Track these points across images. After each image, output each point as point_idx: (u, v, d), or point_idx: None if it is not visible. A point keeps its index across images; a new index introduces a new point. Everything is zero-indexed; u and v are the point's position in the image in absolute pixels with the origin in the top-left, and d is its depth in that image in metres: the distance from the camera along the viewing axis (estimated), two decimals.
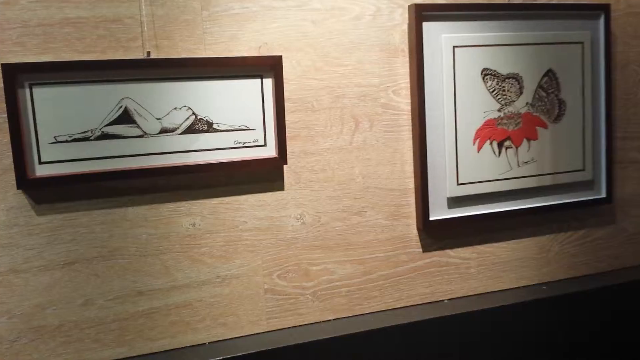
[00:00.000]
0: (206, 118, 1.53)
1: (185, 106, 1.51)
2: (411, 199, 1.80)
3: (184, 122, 1.51)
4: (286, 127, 1.61)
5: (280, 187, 1.65)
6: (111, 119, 1.45)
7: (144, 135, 1.48)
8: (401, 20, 1.73)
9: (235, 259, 1.63)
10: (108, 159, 1.46)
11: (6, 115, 1.36)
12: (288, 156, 1.63)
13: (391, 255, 1.80)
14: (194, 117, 1.52)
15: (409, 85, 1.76)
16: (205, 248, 1.60)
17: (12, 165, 1.39)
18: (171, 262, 1.57)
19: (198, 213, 1.59)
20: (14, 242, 1.43)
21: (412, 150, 1.78)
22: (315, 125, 1.67)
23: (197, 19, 1.53)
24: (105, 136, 1.45)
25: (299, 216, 1.68)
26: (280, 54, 1.58)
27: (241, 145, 1.57)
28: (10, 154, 1.39)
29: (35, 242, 1.45)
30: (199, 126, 1.53)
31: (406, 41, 1.74)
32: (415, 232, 1.82)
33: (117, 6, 1.47)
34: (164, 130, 1.50)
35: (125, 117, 1.46)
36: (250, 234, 1.63)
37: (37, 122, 1.39)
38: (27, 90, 1.38)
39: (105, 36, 1.47)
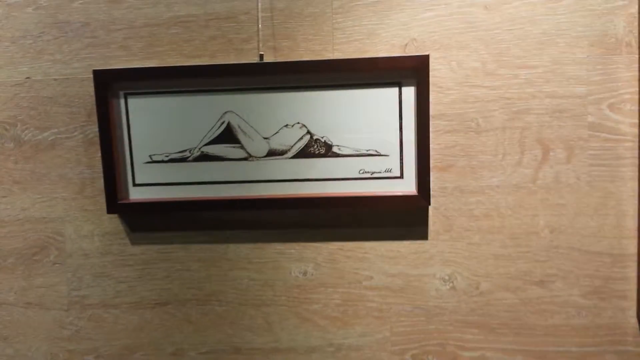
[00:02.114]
0: (324, 139, 1.22)
1: (298, 123, 1.23)
2: (630, 271, 1.23)
3: (296, 143, 1.23)
4: (433, 153, 1.22)
5: (422, 236, 1.26)
6: (212, 137, 1.24)
7: (248, 157, 1.24)
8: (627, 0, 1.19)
9: (356, 324, 1.29)
10: (207, 185, 1.26)
11: (97, 128, 1.26)
12: (435, 194, 1.23)
13: (591, 352, 1.25)
14: (309, 137, 1.23)
15: (638, 97, 1.20)
16: (318, 305, 1.29)
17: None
18: (275, 317, 1.30)
19: (311, 259, 1.29)
20: (107, 273, 1.32)
21: (636, 196, 1.22)
22: (480, 152, 1.23)
23: (326, 12, 1.24)
24: (204, 157, 1.25)
25: (447, 278, 1.26)
26: (427, 53, 1.20)
27: (369, 175, 1.22)
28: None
29: (128, 274, 1.32)
30: (315, 149, 1.23)
31: (635, 30, 1.19)
32: (633, 321, 1.24)
33: (232, 0, 1.26)
34: (272, 153, 1.24)
35: (228, 135, 1.24)
36: (377, 294, 1.27)
37: (132, 137, 1.26)
38: (122, 101, 1.25)
39: (216, 37, 1.27)
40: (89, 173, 1.29)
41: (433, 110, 1.22)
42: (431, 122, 1.22)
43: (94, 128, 1.27)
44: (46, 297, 1.33)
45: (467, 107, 1.22)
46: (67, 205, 1.31)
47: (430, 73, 1.21)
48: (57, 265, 1.32)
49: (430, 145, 1.22)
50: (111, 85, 1.23)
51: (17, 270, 1.33)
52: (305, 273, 1.28)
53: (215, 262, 1.30)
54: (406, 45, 1.22)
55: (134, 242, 1.31)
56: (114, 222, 1.31)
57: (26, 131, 1.30)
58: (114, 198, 1.26)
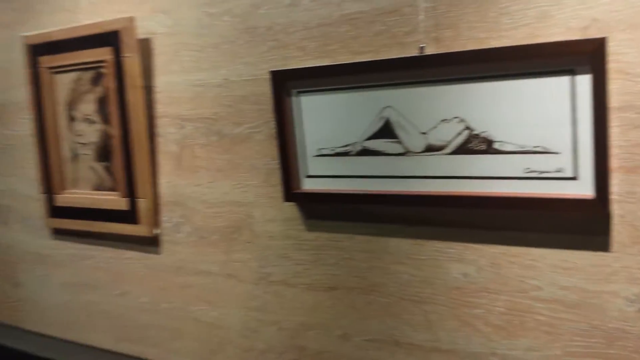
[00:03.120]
0: (485, 134, 1.13)
1: (456, 117, 1.16)
2: None
3: (454, 138, 1.17)
4: (619, 152, 1.03)
5: (602, 247, 1.08)
6: (372, 132, 1.26)
7: (406, 152, 1.23)
8: None
9: (521, 336, 1.18)
10: (367, 179, 1.29)
11: (275, 125, 1.38)
12: (620, 199, 1.04)
13: None
14: (468, 132, 1.15)
15: None
16: (479, 310, 1.22)
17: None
18: (434, 316, 1.28)
19: (472, 261, 1.22)
20: (287, 254, 1.46)
21: None
22: None
23: None
24: (365, 152, 1.27)
25: (634, 298, 1.06)
26: (604, 36, 1.00)
27: (536, 175, 1.10)
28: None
29: (304, 258, 1.44)
30: (475, 144, 1.15)
31: None
32: None
33: None
34: (429, 148, 1.20)
35: (387, 130, 1.24)
36: (547, 308, 1.15)
37: (304, 132, 1.35)
38: (295, 99, 1.35)
39: (381, 32, 1.27)
40: (273, 164, 1.44)
41: (619, 101, 1.03)
42: (617, 115, 1.03)
43: None
44: (241, 271, 1.54)
45: None
46: (256, 192, 1.49)
47: (615, 58, 1.02)
48: (249, 244, 1.52)
49: (616, 142, 1.04)
50: (285, 85, 1.35)
51: (220, 246, 1.57)
52: (465, 275, 1.23)
53: (377, 254, 1.34)
54: (586, 27, 1.05)
55: (308, 229, 1.43)
56: (292, 209, 1.44)
57: (226, 126, 1.51)
58: (289, 187, 1.39)
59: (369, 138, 1.27)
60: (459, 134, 1.17)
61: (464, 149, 1.17)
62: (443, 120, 1.18)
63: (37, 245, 1.98)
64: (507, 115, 1.11)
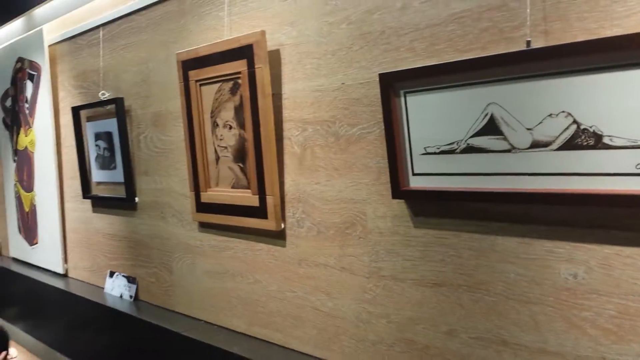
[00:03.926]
0: (593, 128, 1.08)
1: (563, 112, 1.11)
2: None
3: (561, 133, 1.12)
4: None
5: None
6: (476, 129, 1.26)
7: (511, 149, 1.20)
8: None
9: (633, 341, 1.09)
10: (473, 176, 1.28)
11: (384, 125, 1.43)
12: None
13: None
14: (575, 126, 1.10)
15: None
16: (588, 313, 1.15)
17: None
18: (542, 317, 1.22)
19: (582, 262, 1.16)
20: (396, 250, 1.50)
21: None
22: None
23: None
24: (470, 149, 1.27)
25: None
26: None
27: None
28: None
29: (411, 254, 1.46)
30: (583, 140, 1.09)
31: None
32: None
33: None
34: (535, 144, 1.16)
35: (491, 127, 1.23)
36: None
37: (411, 132, 1.38)
38: (402, 99, 1.38)
39: (488, 28, 1.27)
40: (383, 163, 1.50)
41: None
42: None
43: None
44: (354, 265, 1.61)
45: None
46: (368, 189, 1.55)
47: None
48: (361, 239, 1.58)
49: None
50: (393, 86, 1.40)
51: (335, 240, 1.65)
52: (575, 276, 1.17)
53: (484, 252, 1.32)
54: None
55: (415, 226, 1.45)
56: (400, 207, 1.48)
57: (341, 127, 1.60)
58: (398, 185, 1.43)
59: (474, 135, 1.27)
60: (566, 129, 1.13)
61: (571, 145, 1.12)
62: (549, 116, 1.15)
63: (187, 237, 2.25)
64: (617, 109, 1.05)
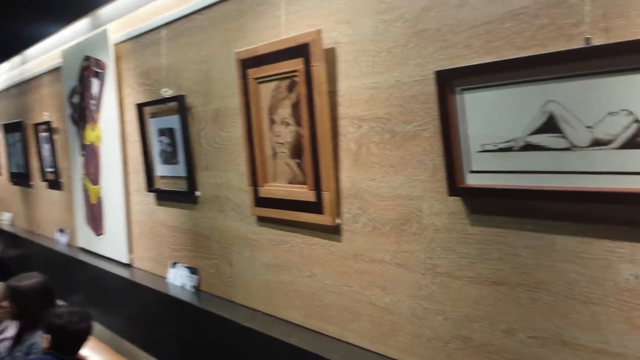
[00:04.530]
0: None
1: (624, 110, 1.09)
2: None
3: (622, 132, 1.10)
4: None
5: None
6: (535, 127, 1.25)
7: (570, 147, 1.19)
8: None
9: None
10: (531, 174, 1.27)
11: (440, 122, 1.44)
12: None
13: None
14: (637, 125, 1.08)
15: None
16: None
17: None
18: (603, 317, 1.21)
19: None
20: (452, 247, 1.51)
21: None
22: None
23: None
24: (528, 147, 1.27)
25: None
26: None
27: None
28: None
29: (468, 251, 1.47)
30: None
31: None
32: None
33: None
34: (595, 143, 1.15)
35: (550, 125, 1.22)
36: None
37: (468, 129, 1.38)
38: (459, 97, 1.38)
39: (546, 25, 1.25)
40: (439, 160, 1.50)
41: None
42: None
43: None
44: (409, 261, 1.63)
45: None
46: (423, 186, 1.56)
47: None
48: (416, 235, 1.60)
49: None
50: (449, 83, 1.40)
51: (391, 236, 1.68)
52: (637, 276, 1.15)
53: (543, 251, 1.31)
54: None
55: (472, 223, 1.46)
56: (457, 204, 1.49)
57: (397, 125, 1.62)
58: (454, 182, 1.44)
59: (532, 133, 1.26)
60: (627, 127, 1.11)
61: (633, 143, 1.10)
62: (610, 114, 1.13)
63: (245, 230, 2.32)
64: None
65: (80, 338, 2.32)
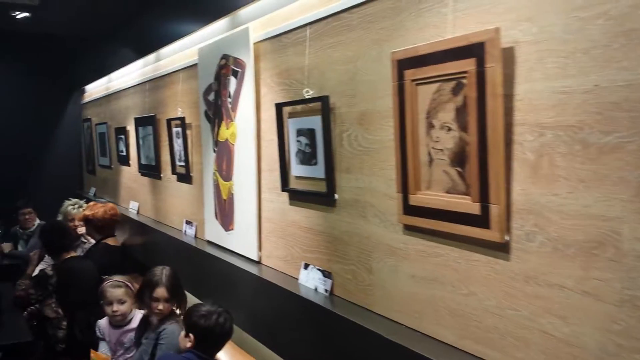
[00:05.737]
0: None
1: None
2: None
3: None
4: None
5: None
6: None
7: None
8: None
9: None
10: None
11: None
12: None
13: None
14: None
15: None
16: None
17: None
18: None
19: None
20: None
21: None
22: None
23: None
24: None
25: None
26: None
27: None
28: None
29: None
30: None
31: None
32: None
33: None
34: None
35: None
36: None
37: None
38: None
39: None
40: None
41: None
42: None
43: None
44: (600, 290, 1.44)
45: None
46: (624, 206, 1.38)
47: None
48: (612, 262, 1.41)
49: None
50: None
51: (576, 260, 1.50)
52: None
53: None
54: None
55: None
56: None
57: (591, 134, 1.44)
58: None
59: None
60: None
61: None
62: None
63: (389, 238, 2.22)
64: None
65: (224, 340, 2.34)
